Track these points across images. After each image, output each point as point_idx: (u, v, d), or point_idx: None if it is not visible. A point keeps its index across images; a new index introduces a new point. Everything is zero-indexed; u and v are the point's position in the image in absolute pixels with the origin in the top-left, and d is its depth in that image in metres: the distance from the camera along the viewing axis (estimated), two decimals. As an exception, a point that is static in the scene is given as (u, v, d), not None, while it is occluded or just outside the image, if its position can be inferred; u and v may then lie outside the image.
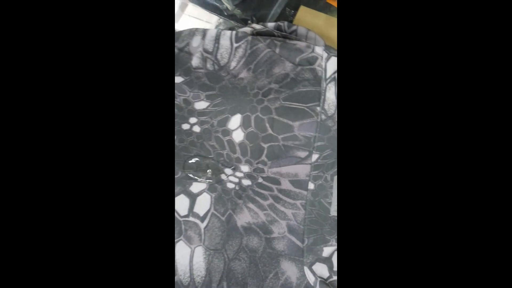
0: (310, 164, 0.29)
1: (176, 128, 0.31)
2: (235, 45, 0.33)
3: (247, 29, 0.34)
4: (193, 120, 0.32)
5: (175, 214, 0.28)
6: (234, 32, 0.33)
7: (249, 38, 0.32)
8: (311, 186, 0.29)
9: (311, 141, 0.29)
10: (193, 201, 0.29)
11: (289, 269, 0.27)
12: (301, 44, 0.32)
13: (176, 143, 0.31)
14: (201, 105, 0.32)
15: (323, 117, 0.30)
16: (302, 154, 0.29)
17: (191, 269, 0.27)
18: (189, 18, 0.53)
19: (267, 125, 0.30)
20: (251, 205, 0.29)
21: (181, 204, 0.29)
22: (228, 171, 0.30)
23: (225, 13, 0.46)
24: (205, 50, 0.33)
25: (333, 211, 0.29)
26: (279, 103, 0.30)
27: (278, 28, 0.34)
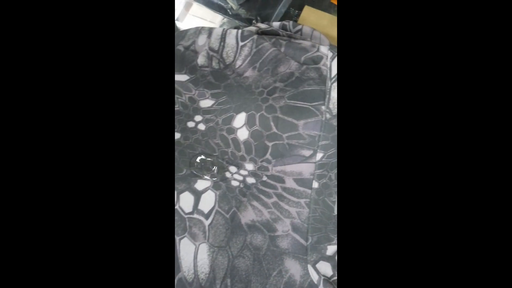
0: (315, 163, 0.29)
1: (182, 126, 0.32)
2: (240, 43, 0.33)
3: (252, 28, 0.34)
4: (198, 118, 0.32)
5: (180, 211, 0.29)
6: (239, 31, 0.33)
7: (255, 37, 0.33)
8: (315, 184, 0.29)
9: (316, 140, 0.29)
10: (197, 199, 0.29)
11: (293, 267, 0.27)
12: (306, 43, 0.32)
13: (181, 140, 0.31)
14: (206, 103, 0.32)
15: (328, 116, 0.30)
16: (307, 152, 0.30)
17: (195, 266, 0.27)
18: (193, 18, 0.53)
19: (272, 123, 0.30)
20: (255, 203, 0.29)
21: (186, 201, 0.29)
22: (232, 169, 0.30)
23: (230, 13, 0.47)
24: (211, 49, 0.33)
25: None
26: (284, 101, 0.31)
27: (283, 27, 0.35)
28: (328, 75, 0.31)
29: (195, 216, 0.28)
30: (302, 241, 0.28)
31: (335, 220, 0.29)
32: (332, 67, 0.31)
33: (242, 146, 0.31)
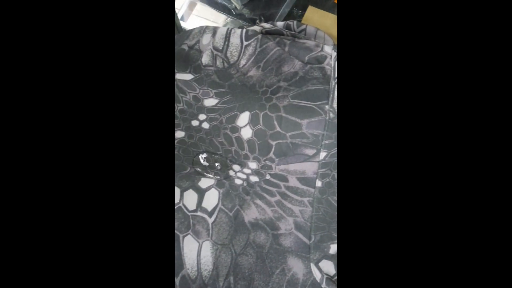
0: (318, 162, 0.29)
1: (186, 124, 0.32)
2: (245, 43, 0.33)
3: (256, 28, 0.34)
4: (202, 116, 0.32)
5: (184, 208, 0.29)
6: (244, 30, 0.33)
7: (259, 36, 0.33)
8: (318, 183, 0.29)
9: (319, 139, 0.30)
10: (201, 196, 0.29)
11: (296, 266, 0.27)
12: (310, 43, 0.32)
13: (186, 139, 0.31)
14: (210, 102, 0.32)
15: (331, 115, 0.30)
16: (310, 152, 0.30)
17: (198, 263, 0.27)
18: (196, 17, 0.54)
19: (276, 122, 0.30)
20: (258, 202, 0.29)
21: (189, 199, 0.29)
22: (236, 167, 0.30)
23: (234, 12, 0.47)
24: (215, 48, 0.33)
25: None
26: (287, 101, 0.31)
27: (287, 27, 0.35)
28: (332, 75, 0.31)
29: (199, 213, 0.29)
30: (305, 239, 0.28)
31: (338, 219, 0.29)
32: (335, 66, 0.31)
33: (245, 144, 0.31)
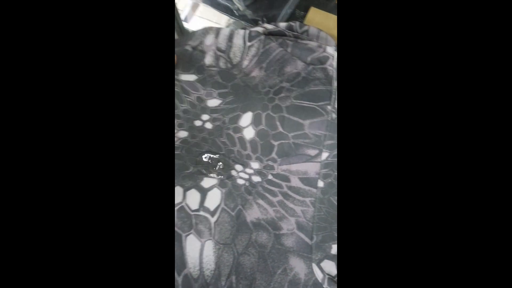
0: (320, 162, 0.30)
1: (189, 124, 0.32)
2: (248, 44, 0.33)
3: (259, 29, 0.34)
4: (205, 117, 0.32)
5: (186, 208, 0.29)
6: (247, 31, 0.33)
7: (262, 37, 0.33)
8: (320, 184, 0.29)
9: (321, 140, 0.30)
10: (204, 196, 0.29)
11: (298, 266, 0.27)
12: (312, 44, 0.32)
13: (189, 139, 0.32)
14: (213, 102, 0.32)
15: (334, 116, 0.30)
16: (312, 152, 0.30)
17: (201, 262, 0.27)
18: (199, 19, 0.54)
19: (278, 123, 0.31)
20: (260, 201, 0.29)
21: (192, 198, 0.29)
22: (238, 167, 0.31)
23: (236, 13, 0.47)
24: (218, 49, 0.34)
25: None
26: (290, 101, 0.31)
27: (290, 28, 0.35)
28: (334, 75, 0.31)
29: (201, 213, 0.29)
30: (307, 239, 0.28)
31: (340, 219, 0.29)
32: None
33: (248, 145, 0.31)
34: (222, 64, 0.34)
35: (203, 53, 0.34)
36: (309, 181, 0.30)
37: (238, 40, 0.33)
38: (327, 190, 0.29)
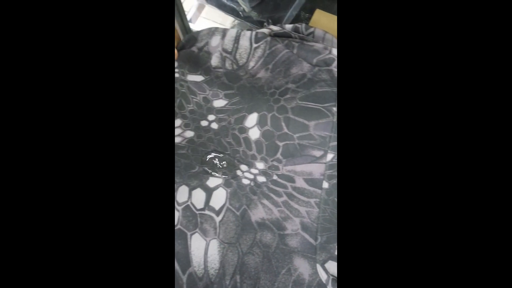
0: (325, 163, 0.30)
1: (195, 124, 0.32)
2: (254, 45, 0.33)
3: (265, 30, 0.35)
4: (211, 117, 0.32)
5: (192, 207, 0.29)
6: (253, 32, 0.34)
7: (268, 39, 0.33)
8: (325, 185, 0.29)
9: (326, 141, 0.30)
10: (209, 195, 0.30)
11: (302, 266, 0.28)
12: (318, 46, 0.33)
13: (195, 139, 0.32)
14: (219, 103, 0.33)
15: (339, 117, 0.30)
16: (317, 153, 0.30)
17: (205, 261, 0.27)
18: (204, 20, 0.55)
19: (283, 124, 0.31)
20: (265, 202, 0.30)
21: (197, 197, 0.29)
22: (243, 167, 0.31)
23: (242, 15, 0.47)
24: (224, 50, 0.34)
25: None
26: (295, 102, 0.31)
27: (296, 29, 0.35)
28: (340, 77, 0.31)
29: (206, 212, 0.29)
30: (311, 240, 0.28)
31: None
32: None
33: (253, 145, 0.31)
34: (228, 65, 0.34)
35: (209, 54, 0.34)
36: (314, 182, 0.30)
37: (244, 42, 0.34)
38: (332, 191, 0.29)
